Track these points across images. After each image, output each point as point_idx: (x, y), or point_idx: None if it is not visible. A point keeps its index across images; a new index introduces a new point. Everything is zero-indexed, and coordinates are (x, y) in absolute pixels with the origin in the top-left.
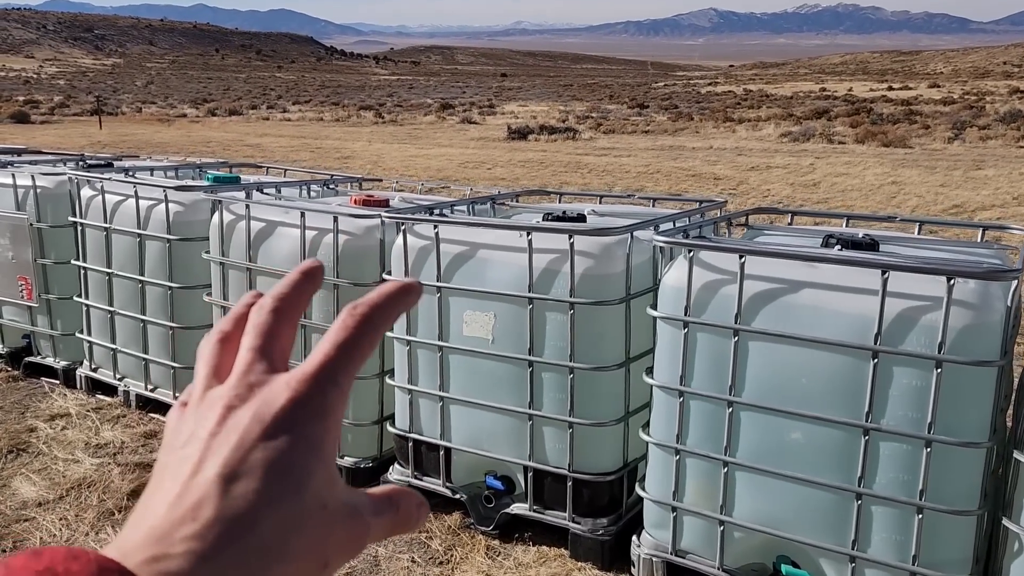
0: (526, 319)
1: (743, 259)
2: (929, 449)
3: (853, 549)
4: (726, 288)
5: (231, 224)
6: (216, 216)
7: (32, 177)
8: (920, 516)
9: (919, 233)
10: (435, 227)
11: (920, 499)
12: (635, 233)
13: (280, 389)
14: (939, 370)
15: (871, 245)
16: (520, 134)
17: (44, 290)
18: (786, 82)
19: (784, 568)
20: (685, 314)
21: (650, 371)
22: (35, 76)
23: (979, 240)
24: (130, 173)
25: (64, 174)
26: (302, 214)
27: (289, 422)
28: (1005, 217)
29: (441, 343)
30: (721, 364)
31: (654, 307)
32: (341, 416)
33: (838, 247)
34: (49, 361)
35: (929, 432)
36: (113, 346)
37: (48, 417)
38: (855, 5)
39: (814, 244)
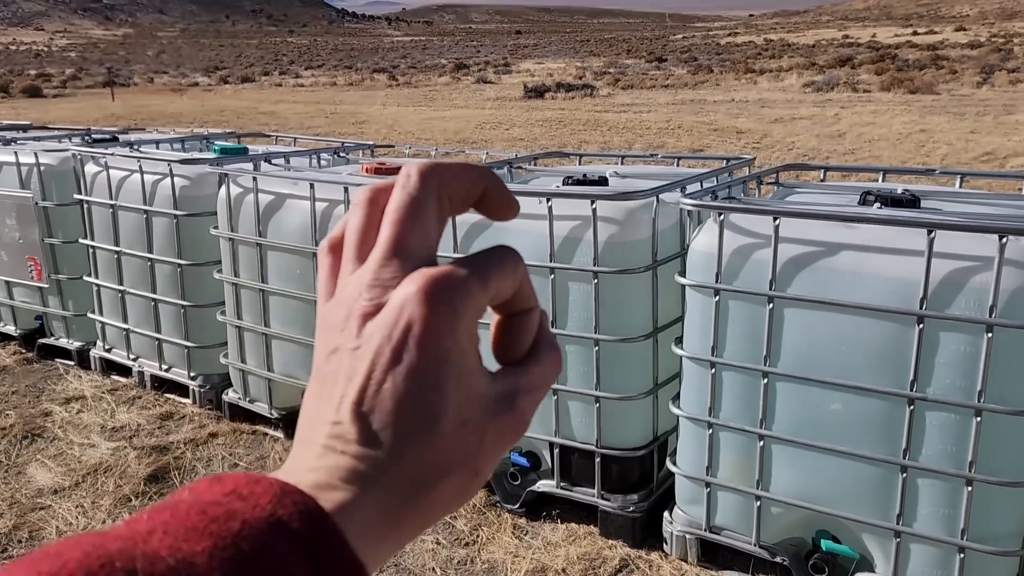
0: (548, 290)
1: (777, 221)
2: (979, 419)
3: (898, 524)
4: (759, 252)
5: (239, 198)
6: (223, 190)
7: (35, 154)
8: (969, 489)
9: (960, 187)
10: None
11: (969, 471)
12: (661, 196)
13: (411, 300)
14: (989, 335)
15: (912, 202)
16: (537, 93)
17: (53, 270)
18: (808, 30)
19: (825, 544)
20: (716, 281)
21: (679, 341)
22: (46, 49)
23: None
24: (135, 147)
25: (67, 150)
26: (311, 185)
27: (418, 341)
28: None
29: None
30: (755, 333)
31: (683, 274)
32: (476, 317)
33: (877, 205)
34: (63, 342)
35: (979, 401)
36: (125, 326)
37: (63, 400)
38: None
39: (851, 202)
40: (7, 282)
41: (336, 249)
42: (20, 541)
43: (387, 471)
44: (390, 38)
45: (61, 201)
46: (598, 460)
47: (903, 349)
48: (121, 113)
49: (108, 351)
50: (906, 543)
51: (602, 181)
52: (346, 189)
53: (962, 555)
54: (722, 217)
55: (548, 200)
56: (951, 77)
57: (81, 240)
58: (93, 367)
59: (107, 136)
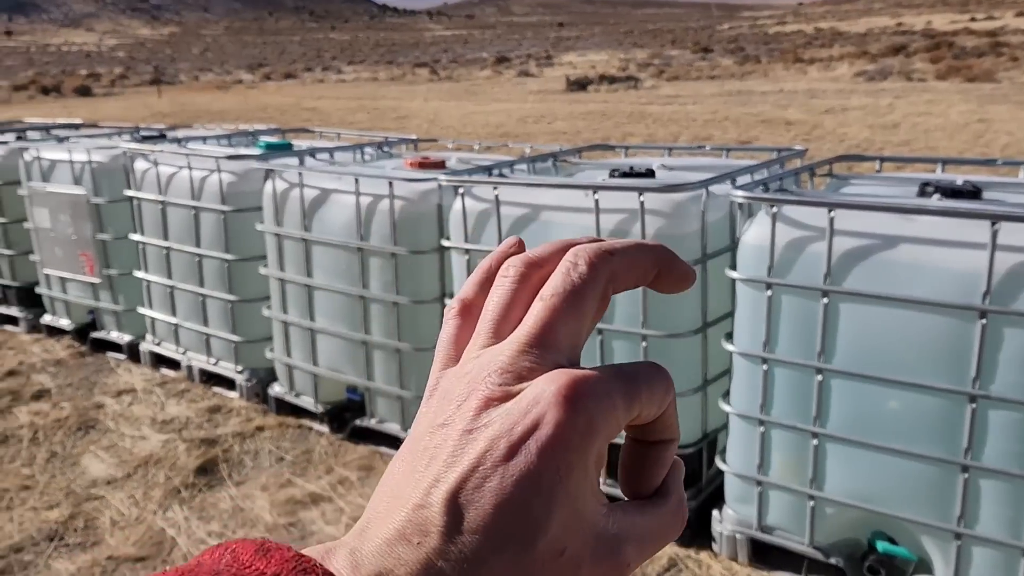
0: None
1: (833, 213)
2: None
3: (959, 525)
4: (813, 245)
5: (284, 193)
6: (269, 185)
7: (87, 152)
8: None
9: (1023, 177)
10: (494, 188)
11: None
12: (710, 188)
13: (546, 399)
14: None
15: (973, 193)
16: (580, 85)
17: (105, 265)
18: (860, 18)
19: (880, 545)
20: (768, 275)
21: (729, 337)
22: (96, 49)
23: None
24: (183, 143)
25: (118, 148)
26: (356, 180)
27: (542, 445)
28: None
29: None
30: (808, 328)
31: (733, 268)
32: (611, 436)
33: (937, 196)
34: (114, 336)
35: None
36: (174, 320)
37: (115, 393)
38: None
39: (908, 194)
40: (61, 277)
41: (466, 313)
42: (75, 530)
43: None
44: (431, 32)
45: (112, 198)
46: None
47: (964, 345)
48: (168, 111)
49: (158, 345)
50: (967, 545)
51: (649, 173)
52: (390, 183)
53: None
54: (775, 209)
55: (595, 193)
56: (1012, 64)
57: (131, 236)
58: (143, 360)
59: (155, 133)
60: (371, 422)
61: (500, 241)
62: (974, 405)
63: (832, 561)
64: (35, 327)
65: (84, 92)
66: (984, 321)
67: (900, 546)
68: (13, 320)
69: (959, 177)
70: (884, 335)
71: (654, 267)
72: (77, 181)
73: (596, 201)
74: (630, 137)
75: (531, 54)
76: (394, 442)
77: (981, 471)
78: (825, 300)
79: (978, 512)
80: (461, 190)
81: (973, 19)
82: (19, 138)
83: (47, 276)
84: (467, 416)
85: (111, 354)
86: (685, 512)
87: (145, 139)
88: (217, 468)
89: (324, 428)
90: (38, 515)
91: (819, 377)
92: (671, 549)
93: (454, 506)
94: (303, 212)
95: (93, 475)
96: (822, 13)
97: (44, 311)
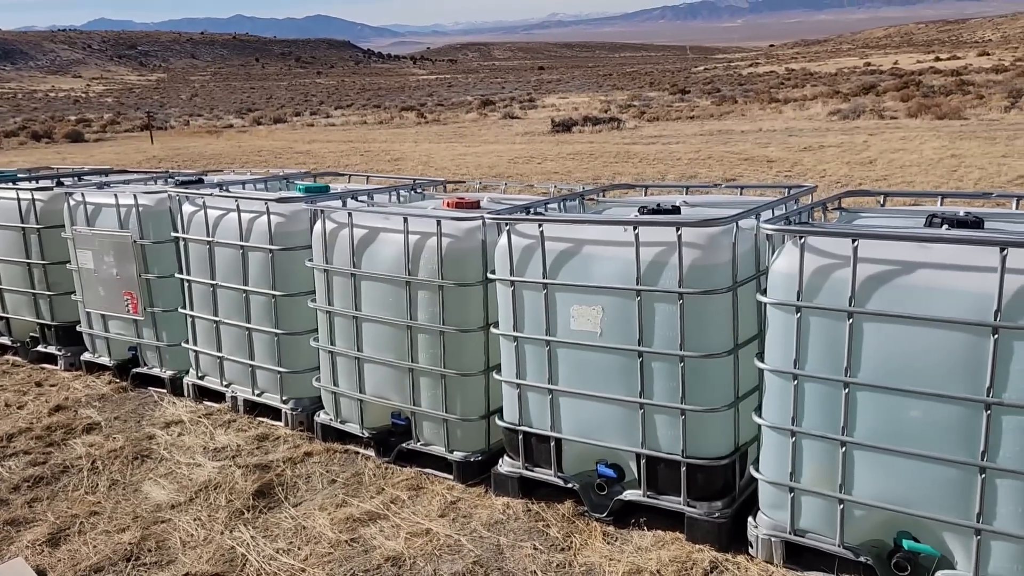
0: (634, 311)
1: (856, 243)
2: None
3: (978, 522)
4: (838, 272)
5: (333, 232)
6: (318, 225)
7: (134, 196)
8: None
9: (1017, 207)
10: (540, 226)
11: None
12: (739, 222)
13: None
14: None
15: (977, 223)
16: (564, 127)
17: (149, 304)
18: (829, 59)
19: (906, 543)
20: (797, 299)
21: (760, 356)
22: (84, 95)
23: None
24: (224, 188)
25: (163, 192)
26: (404, 219)
27: None
28: None
29: (549, 337)
30: (835, 347)
31: (763, 293)
32: None
33: (945, 227)
34: (155, 371)
35: None
36: (219, 354)
37: (163, 424)
38: None
39: (918, 224)
40: (103, 315)
41: None
42: (150, 550)
43: None
44: (415, 76)
45: (158, 239)
46: (684, 469)
47: (978, 358)
48: (161, 155)
49: (201, 378)
50: (986, 540)
51: (675, 210)
52: (438, 222)
53: None
54: (803, 240)
55: (635, 228)
56: (979, 102)
57: (176, 275)
58: (186, 394)
59: (193, 178)
60: (417, 445)
61: (544, 273)
62: (989, 412)
63: (862, 559)
64: (74, 364)
65: (76, 138)
66: (996, 337)
67: (923, 543)
68: (52, 358)
69: (960, 209)
70: (905, 351)
71: None
72: (123, 224)
73: (637, 235)
74: (619, 176)
75: (514, 97)
76: (440, 463)
77: (997, 471)
78: (850, 321)
79: (995, 509)
80: (507, 227)
81: (938, 59)
82: (59, 184)
83: (88, 315)
84: None
85: (153, 389)
86: None
87: (183, 183)
88: (274, 491)
89: (370, 452)
90: (111, 538)
91: (846, 391)
92: (710, 554)
93: None
94: (352, 249)
95: (156, 500)
96: (792, 55)
97: (83, 349)
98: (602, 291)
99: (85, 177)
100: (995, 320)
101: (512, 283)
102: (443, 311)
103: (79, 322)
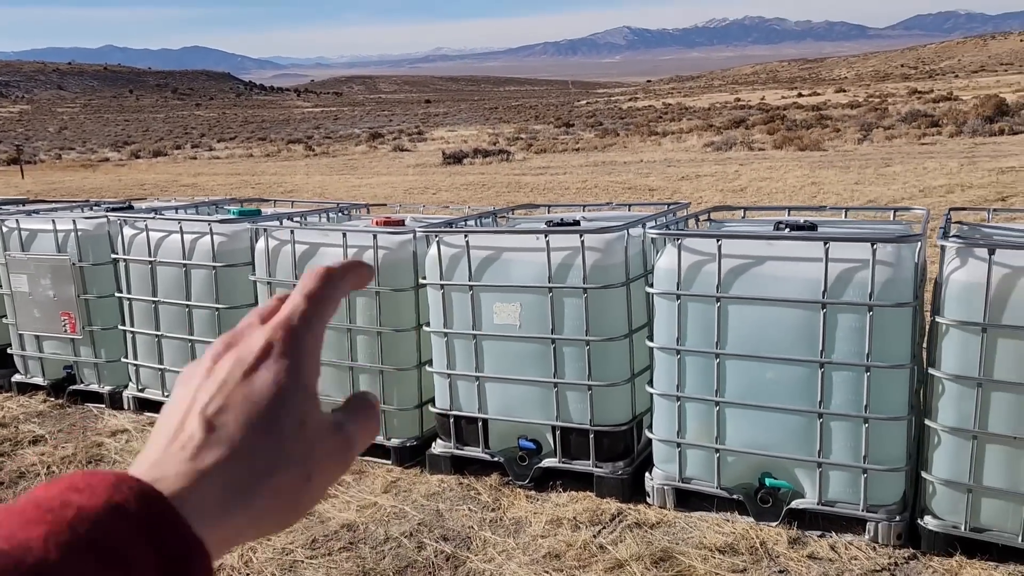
0: (547, 306)
1: (720, 242)
2: (868, 373)
3: (819, 457)
4: (708, 266)
5: (276, 248)
6: (261, 242)
7: (73, 221)
8: (866, 426)
9: (845, 217)
10: (465, 237)
11: (866, 412)
12: (630, 230)
13: (258, 335)
14: (871, 313)
15: (812, 227)
16: (455, 159)
17: (87, 323)
18: (703, 94)
19: (768, 481)
20: (677, 289)
21: (650, 337)
22: None
23: (891, 219)
24: (158, 213)
25: (102, 217)
26: (344, 235)
27: (264, 359)
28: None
29: (475, 332)
30: (708, 326)
31: (650, 286)
32: (316, 351)
33: (787, 229)
34: (93, 387)
35: (867, 360)
36: (160, 366)
37: (109, 433)
38: (760, 17)
39: (767, 229)
40: (37, 336)
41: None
42: None
43: (227, 462)
44: (300, 109)
45: (97, 261)
46: (592, 436)
47: (813, 328)
48: (36, 190)
49: (142, 391)
50: (826, 471)
51: (576, 223)
52: (375, 236)
53: (865, 475)
54: (679, 242)
55: (547, 236)
56: (835, 135)
57: (116, 294)
58: (126, 406)
59: (123, 205)
60: None
61: (470, 276)
62: (823, 370)
63: (735, 497)
64: (2, 387)
65: None
66: (824, 311)
67: (780, 479)
68: None
69: (801, 218)
70: (760, 326)
71: (363, 276)
72: (61, 248)
73: (548, 242)
74: (513, 204)
75: (403, 129)
76: (378, 450)
77: (831, 415)
78: (718, 305)
79: (831, 446)
80: (436, 239)
81: (800, 95)
82: None
83: (21, 336)
84: (205, 364)
85: (91, 404)
86: (379, 421)
87: (115, 210)
88: None
89: None
90: None
91: (717, 360)
92: (616, 504)
93: (207, 416)
94: (295, 263)
95: None
96: (669, 90)
97: (13, 371)
98: (520, 290)
99: (2, 207)
100: (823, 298)
101: (442, 287)
102: (380, 314)
103: (9, 345)
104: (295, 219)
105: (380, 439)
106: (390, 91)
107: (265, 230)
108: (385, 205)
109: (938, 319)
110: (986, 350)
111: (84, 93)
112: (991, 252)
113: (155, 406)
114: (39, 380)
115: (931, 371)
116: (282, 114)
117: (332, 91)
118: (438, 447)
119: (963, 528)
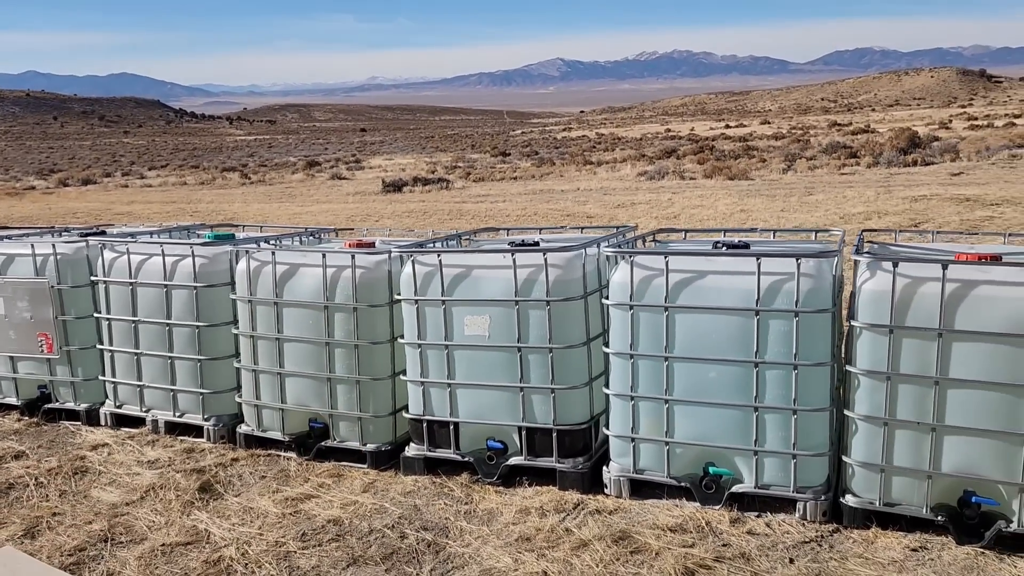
0: (513, 317)
1: (667, 258)
2: (796, 371)
3: (755, 446)
4: (656, 280)
5: (256, 269)
6: (242, 263)
7: (53, 246)
8: (795, 417)
9: (774, 237)
10: (439, 256)
11: (794, 405)
12: (587, 250)
13: None
14: (797, 319)
15: (745, 246)
16: (395, 187)
17: (65, 343)
18: (635, 124)
19: (711, 469)
20: (630, 300)
21: (606, 344)
22: None
23: (813, 239)
24: (133, 238)
25: (82, 242)
26: (323, 255)
27: None
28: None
29: (447, 342)
30: (658, 332)
31: (606, 299)
32: None
33: (724, 248)
34: (69, 405)
35: (795, 360)
36: (139, 383)
37: (90, 447)
38: (689, 51)
39: (707, 248)
40: (11, 357)
41: None
42: (121, 534)
43: None
44: (233, 137)
45: (76, 284)
46: (555, 435)
47: (749, 332)
48: None
49: (119, 407)
50: (761, 459)
51: (536, 244)
52: (353, 256)
53: (795, 460)
54: (632, 259)
55: (514, 255)
56: (761, 164)
57: (95, 315)
58: (104, 423)
59: (94, 231)
60: (334, 443)
61: (443, 292)
62: (757, 369)
63: (683, 485)
64: None
65: None
66: (758, 317)
67: (722, 467)
68: None
69: (736, 238)
70: (703, 331)
71: None
72: (39, 271)
73: (514, 260)
74: (456, 230)
75: (340, 158)
76: (354, 456)
77: (765, 409)
78: (666, 313)
79: (765, 436)
80: (411, 258)
81: (727, 126)
82: None
83: None
84: None
85: (66, 422)
86: None
87: (88, 235)
88: (214, 487)
89: (291, 454)
90: (81, 528)
91: (666, 363)
92: (577, 495)
93: None
94: (275, 282)
95: (110, 501)
96: (602, 120)
97: None
98: (489, 304)
99: None
100: (756, 306)
101: (416, 302)
102: (357, 328)
103: None
104: (271, 242)
105: (357, 445)
106: (325, 119)
107: (247, 252)
108: (353, 230)
109: (853, 323)
110: (893, 348)
111: (5, 120)
112: (895, 265)
113: (133, 422)
114: (12, 400)
115: (848, 368)
116: (214, 142)
117: (265, 119)
118: (411, 450)
119: (878, 503)
